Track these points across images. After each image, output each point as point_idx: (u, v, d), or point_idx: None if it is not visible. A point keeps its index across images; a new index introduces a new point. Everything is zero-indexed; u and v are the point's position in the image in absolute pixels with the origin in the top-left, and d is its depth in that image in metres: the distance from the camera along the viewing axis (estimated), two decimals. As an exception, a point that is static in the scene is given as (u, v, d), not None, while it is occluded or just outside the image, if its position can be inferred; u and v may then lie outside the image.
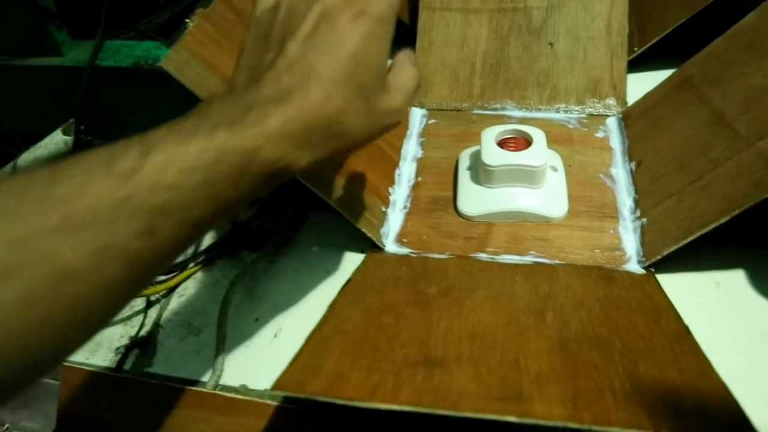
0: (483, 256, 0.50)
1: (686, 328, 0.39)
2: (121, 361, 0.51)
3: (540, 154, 0.52)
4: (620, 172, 0.56)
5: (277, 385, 0.32)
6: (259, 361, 0.48)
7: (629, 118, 0.61)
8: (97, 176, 0.25)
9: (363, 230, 0.50)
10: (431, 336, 0.37)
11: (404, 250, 0.52)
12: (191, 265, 0.55)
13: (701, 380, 0.33)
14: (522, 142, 0.54)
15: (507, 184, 0.53)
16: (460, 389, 0.31)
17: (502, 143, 0.54)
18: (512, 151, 0.52)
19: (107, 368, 0.50)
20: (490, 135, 0.54)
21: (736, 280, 0.49)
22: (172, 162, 0.27)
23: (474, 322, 0.39)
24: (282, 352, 0.48)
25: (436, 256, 0.50)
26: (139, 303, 0.55)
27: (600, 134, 0.61)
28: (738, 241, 0.51)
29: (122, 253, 0.25)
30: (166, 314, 0.53)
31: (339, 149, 0.33)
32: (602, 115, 0.63)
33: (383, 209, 0.54)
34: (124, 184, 0.25)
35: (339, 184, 0.50)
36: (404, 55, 0.38)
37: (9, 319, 0.23)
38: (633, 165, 0.56)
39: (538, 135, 0.53)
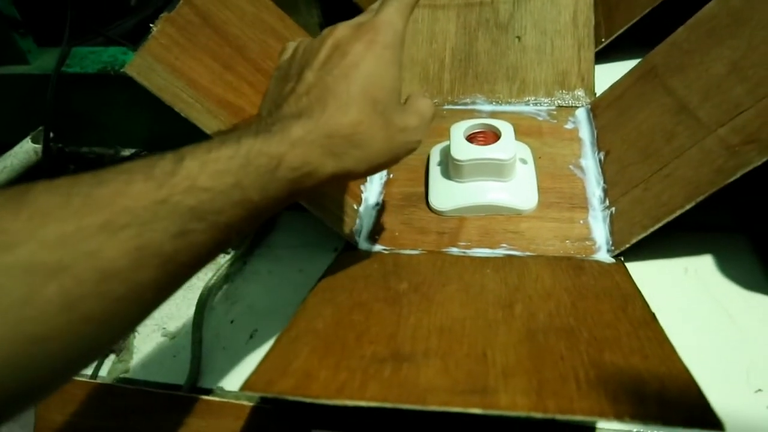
0: (455, 250, 0.51)
1: (652, 315, 0.39)
2: (97, 368, 0.51)
3: (508, 147, 0.52)
4: (589, 163, 0.57)
5: (246, 385, 0.32)
6: (235, 363, 0.48)
7: (597, 109, 0.62)
8: (137, 179, 0.26)
9: (335, 229, 0.50)
10: (400, 331, 0.37)
11: (377, 248, 0.52)
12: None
13: (664, 366, 0.33)
14: (491, 135, 0.54)
15: (477, 178, 0.53)
16: (426, 384, 0.31)
17: (471, 137, 0.54)
18: (481, 145, 0.53)
19: (84, 375, 0.50)
20: (459, 130, 0.54)
21: (703, 264, 0.49)
22: (205, 166, 0.28)
23: (443, 317, 0.39)
24: (257, 353, 0.48)
25: (408, 252, 0.51)
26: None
27: (569, 125, 0.61)
28: (704, 227, 0.52)
29: (158, 254, 0.26)
30: (141, 319, 0.53)
31: (362, 160, 0.35)
32: (571, 107, 0.64)
33: (355, 207, 0.54)
34: (161, 186, 0.26)
35: (309, 183, 0.50)
36: (418, 92, 0.41)
37: (54, 316, 0.23)
38: (602, 155, 0.56)
39: (506, 128, 0.54)
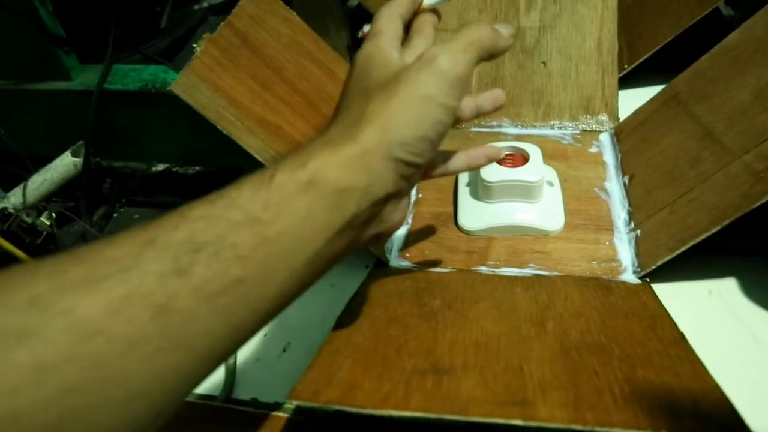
0: (484, 269, 0.52)
1: (681, 335, 0.40)
2: None
3: (536, 169, 0.54)
4: (614, 186, 0.58)
5: (293, 394, 0.33)
6: (269, 375, 0.50)
7: (621, 133, 0.63)
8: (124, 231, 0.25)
9: (368, 246, 0.52)
10: (437, 346, 0.38)
11: (408, 265, 0.53)
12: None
13: (696, 384, 0.34)
14: (519, 158, 0.56)
15: (505, 199, 0.54)
16: (467, 395, 0.33)
17: (499, 160, 0.56)
18: (510, 167, 0.54)
19: None
20: (488, 152, 0.56)
21: (727, 287, 0.51)
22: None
23: (478, 332, 0.40)
24: (291, 365, 0.50)
25: (438, 270, 0.52)
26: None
27: (593, 149, 0.63)
28: (729, 250, 0.53)
29: (146, 301, 0.22)
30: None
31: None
32: (595, 131, 0.65)
33: (386, 225, 0.56)
34: (146, 229, 0.25)
35: (343, 201, 0.52)
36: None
37: (26, 387, 0.19)
38: (626, 179, 0.58)
39: (534, 151, 0.55)
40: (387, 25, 0.36)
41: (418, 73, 0.32)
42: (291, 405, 0.47)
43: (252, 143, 0.48)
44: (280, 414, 0.46)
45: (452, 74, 0.33)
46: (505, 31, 0.37)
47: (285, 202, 0.28)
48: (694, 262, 0.51)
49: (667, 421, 0.30)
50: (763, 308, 0.49)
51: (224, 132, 0.47)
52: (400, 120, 0.31)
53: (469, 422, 0.31)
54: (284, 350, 0.51)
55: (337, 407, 0.32)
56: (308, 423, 0.46)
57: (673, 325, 0.42)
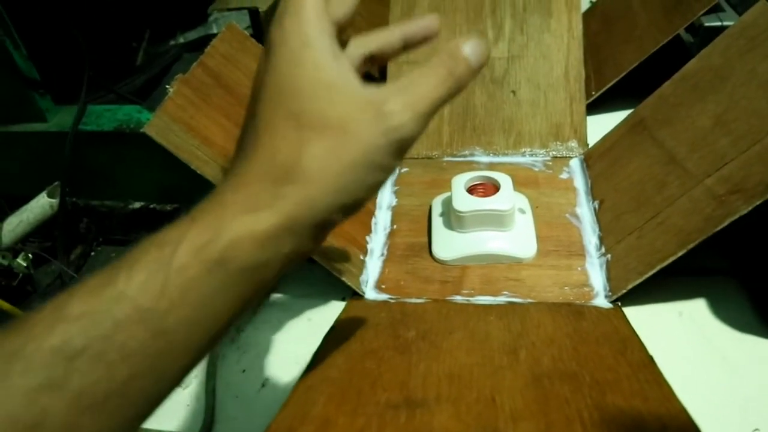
0: (459, 298, 0.53)
1: (650, 358, 0.41)
2: (111, 419, 0.52)
3: (507, 198, 0.55)
4: (584, 211, 0.60)
5: (268, 433, 0.34)
6: (248, 411, 0.50)
7: (590, 159, 0.65)
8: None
9: (343, 279, 0.52)
10: (411, 378, 0.39)
11: (383, 296, 0.54)
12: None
13: (664, 408, 0.35)
14: (490, 187, 0.57)
15: (478, 229, 0.55)
16: (440, 428, 0.33)
17: (471, 189, 0.57)
18: (481, 196, 0.55)
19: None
20: (460, 182, 0.57)
21: (697, 308, 0.52)
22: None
23: (451, 363, 0.41)
24: (270, 401, 0.50)
25: (413, 300, 0.53)
26: (127, 360, 0.56)
27: (564, 175, 0.64)
28: (698, 271, 0.54)
29: (14, 426, 0.20)
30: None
31: None
32: (566, 157, 0.67)
33: (361, 257, 0.56)
34: (19, 329, 0.23)
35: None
36: None
37: None
38: (596, 204, 0.59)
39: (504, 180, 0.56)
40: None
41: (374, 135, 0.26)
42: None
43: (207, 170, 0.49)
44: (259, 451, 0.46)
45: (414, 139, 0.28)
46: (474, 55, 0.29)
47: (188, 287, 0.24)
48: (664, 285, 0.52)
49: (635, 447, 0.31)
50: (732, 328, 0.50)
51: (198, 171, 0.48)
52: (339, 187, 0.26)
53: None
54: (263, 386, 0.51)
55: (311, 446, 0.32)
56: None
57: (643, 348, 0.43)
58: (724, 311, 0.51)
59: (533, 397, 0.36)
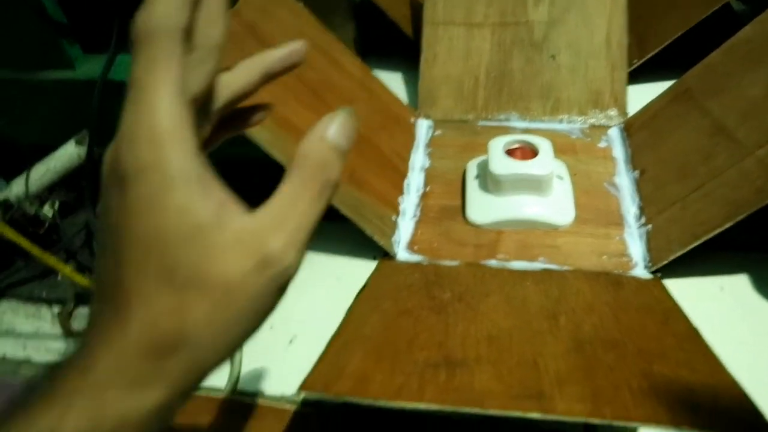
0: (493, 262, 0.51)
1: (695, 330, 0.40)
2: (136, 369, 0.51)
3: (546, 163, 0.53)
4: (624, 181, 0.58)
5: (304, 385, 0.33)
6: (275, 368, 0.49)
7: (631, 128, 0.63)
8: None
9: (374, 238, 0.51)
10: (449, 339, 0.38)
11: (415, 258, 0.53)
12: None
13: (713, 379, 0.34)
14: (528, 151, 0.55)
15: (515, 193, 0.54)
16: (482, 388, 0.32)
17: (509, 152, 0.55)
18: (519, 160, 0.54)
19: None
20: (498, 144, 0.55)
21: (739, 283, 0.50)
22: None
23: (489, 326, 0.40)
24: (297, 358, 0.49)
25: (447, 263, 0.52)
26: None
27: (602, 144, 0.62)
28: (741, 246, 0.52)
29: None
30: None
31: None
32: (604, 126, 0.65)
33: (393, 218, 0.55)
34: None
35: (350, 193, 0.51)
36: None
37: None
38: (636, 174, 0.57)
39: (544, 144, 0.55)
40: (174, 107, 0.22)
41: (260, 283, 0.23)
42: (297, 397, 0.46)
43: (259, 134, 0.48)
44: (287, 406, 0.46)
45: (294, 275, 0.24)
46: (344, 138, 0.25)
47: None
48: (706, 258, 0.50)
49: (687, 416, 0.30)
50: (775, 304, 0.48)
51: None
52: (228, 341, 0.23)
53: (484, 415, 0.30)
54: (290, 343, 0.51)
55: (349, 399, 0.31)
56: (315, 415, 0.45)
57: (687, 320, 0.41)
58: (766, 287, 0.49)
59: (576, 362, 0.35)
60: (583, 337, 0.38)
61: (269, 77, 0.30)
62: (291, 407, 0.46)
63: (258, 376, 0.48)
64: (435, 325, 0.40)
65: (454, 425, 0.44)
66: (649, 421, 0.29)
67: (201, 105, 0.27)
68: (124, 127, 0.22)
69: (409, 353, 0.36)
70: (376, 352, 0.36)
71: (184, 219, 0.22)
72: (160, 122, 0.21)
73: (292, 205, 0.23)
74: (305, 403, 0.46)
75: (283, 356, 0.50)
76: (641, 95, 0.65)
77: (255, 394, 0.47)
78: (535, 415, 0.30)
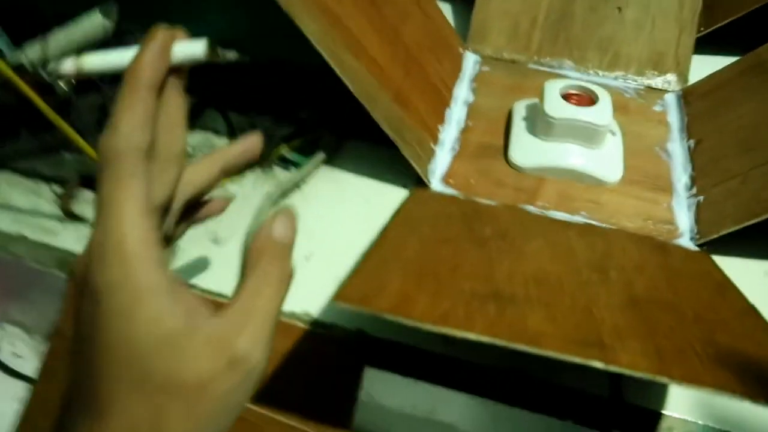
0: (532, 208, 0.48)
1: (753, 306, 0.37)
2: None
3: (605, 113, 0.49)
4: (677, 148, 0.54)
5: (340, 296, 0.29)
6: (288, 282, 0.46)
7: (690, 96, 0.59)
8: None
9: (412, 162, 0.48)
10: (495, 274, 0.35)
11: (450, 191, 0.49)
12: (222, 173, 0.52)
13: (781, 357, 0.31)
14: (586, 99, 0.52)
15: (565, 140, 0.50)
16: (536, 329, 0.29)
17: (565, 97, 0.51)
18: (576, 105, 0.50)
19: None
20: (554, 87, 0.51)
21: (786, 272, 0.47)
22: None
23: (536, 268, 0.37)
24: (313, 276, 0.46)
25: (485, 201, 0.48)
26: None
27: (658, 108, 0.59)
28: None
29: None
30: (191, 220, 0.50)
31: None
32: (661, 90, 0.61)
33: (432, 146, 0.51)
34: None
35: (394, 111, 0.47)
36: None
37: None
38: (692, 143, 0.54)
39: (603, 94, 0.51)
40: (137, 218, 0.24)
41: (231, 382, 0.23)
42: (307, 316, 0.43)
43: (311, 27, 0.43)
44: (297, 323, 0.43)
45: (264, 369, 0.25)
46: (288, 235, 0.29)
47: None
48: (753, 240, 0.48)
49: (761, 390, 0.27)
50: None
51: (283, 7, 0.42)
52: None
53: (540, 355, 0.27)
54: (306, 259, 0.47)
55: (391, 317, 0.28)
56: (325, 338, 0.42)
57: (742, 295, 0.39)
58: (812, 281, 0.47)
59: (634, 318, 0.32)
60: (637, 295, 0.35)
61: (228, 173, 0.33)
62: (302, 325, 0.43)
63: (269, 287, 0.45)
64: (478, 259, 0.37)
65: (470, 374, 0.41)
66: (723, 389, 0.26)
67: (165, 208, 0.29)
68: (93, 244, 0.23)
69: (453, 281, 0.33)
70: (417, 275, 0.33)
71: (154, 329, 0.23)
72: (127, 240, 0.23)
73: (254, 302, 0.25)
74: (316, 324, 0.43)
75: (298, 272, 0.46)
76: (701, 65, 0.61)
77: (264, 305, 0.44)
78: (597, 364, 0.27)
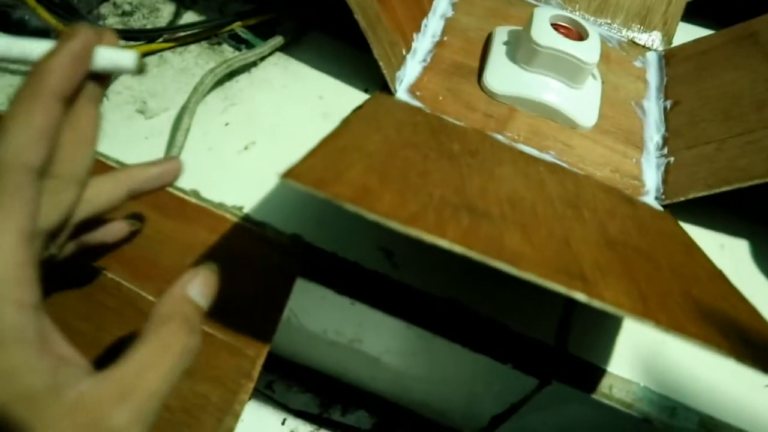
0: (500, 137, 0.44)
1: (720, 271, 0.35)
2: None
3: (594, 51, 0.46)
4: (652, 106, 0.52)
5: (290, 173, 0.24)
6: (221, 171, 0.40)
7: (672, 58, 0.56)
8: None
9: (380, 62, 0.42)
10: (466, 187, 0.31)
11: (416, 103, 0.44)
12: (162, 38, 0.45)
13: (755, 321, 0.29)
14: (574, 34, 0.48)
15: (546, 72, 0.46)
16: (514, 248, 0.25)
17: (553, 27, 0.47)
18: (565, 37, 0.46)
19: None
20: (544, 14, 0.47)
21: (740, 248, 0.46)
22: None
23: (509, 190, 0.33)
24: (251, 167, 0.41)
25: (452, 120, 0.44)
26: (83, 60, 0.44)
27: (638, 64, 0.56)
28: (745, 212, 0.48)
29: None
30: (115, 83, 0.43)
31: None
32: (643, 47, 0.58)
33: (403, 52, 0.46)
34: None
35: (372, 3, 0.42)
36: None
37: None
38: (668, 103, 0.51)
39: (593, 33, 0.47)
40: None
41: None
42: (238, 211, 0.38)
43: None
44: (227, 215, 0.37)
45: None
46: (206, 296, 0.25)
47: None
48: (711, 213, 0.46)
49: (743, 350, 0.24)
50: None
51: None
52: None
53: (520, 278, 0.23)
54: (245, 148, 0.42)
55: (351, 208, 0.23)
56: (257, 236, 0.37)
57: (709, 259, 0.36)
58: (763, 261, 0.46)
59: (613, 258, 0.29)
60: (612, 237, 0.32)
61: (135, 195, 0.29)
62: (231, 217, 0.37)
63: (197, 174, 0.39)
64: (448, 170, 0.32)
65: (411, 301, 0.37)
66: (708, 342, 0.23)
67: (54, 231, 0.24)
68: None
69: (421, 184, 0.28)
70: (380, 171, 0.28)
71: (11, 385, 0.19)
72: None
73: (145, 372, 0.21)
74: (248, 220, 0.38)
75: (234, 161, 0.41)
76: (682, 33, 0.59)
77: (188, 193, 0.38)
78: (580, 296, 0.23)
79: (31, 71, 0.22)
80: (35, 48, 0.24)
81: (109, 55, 0.25)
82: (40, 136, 0.21)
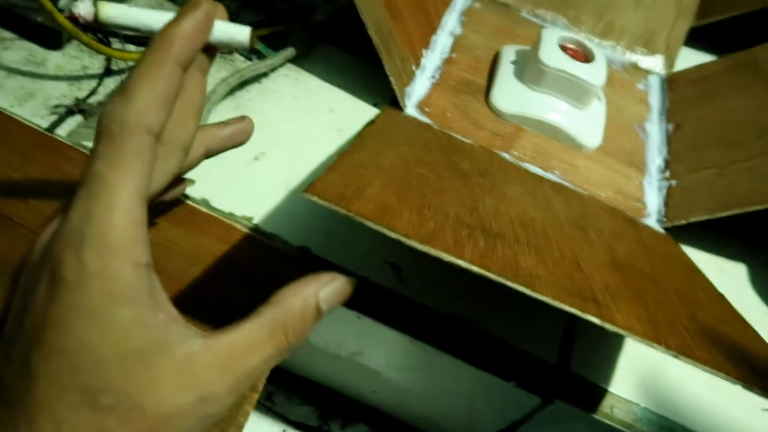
0: (506, 156, 0.45)
1: (722, 295, 0.35)
2: (55, 123, 0.41)
3: (600, 73, 0.46)
4: (654, 129, 0.52)
5: (312, 189, 0.25)
6: (231, 181, 0.40)
7: (675, 82, 0.57)
8: None
9: (391, 78, 0.43)
10: (479, 208, 0.31)
11: (424, 119, 0.45)
12: (174, 45, 0.45)
13: (758, 346, 0.29)
14: (581, 56, 0.48)
15: (552, 92, 0.47)
16: (528, 270, 0.26)
17: (561, 48, 0.48)
18: (572, 58, 0.47)
19: (37, 123, 0.40)
20: (552, 35, 0.48)
21: (739, 273, 0.47)
22: None
23: (519, 211, 0.33)
24: (260, 178, 0.41)
25: (460, 137, 0.44)
26: (96, 65, 0.45)
27: (641, 86, 0.57)
28: (742, 237, 0.49)
29: None
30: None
31: None
32: (645, 71, 0.59)
33: (413, 68, 0.47)
34: None
35: (385, 19, 0.42)
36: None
37: None
38: (671, 126, 0.52)
39: (600, 55, 0.48)
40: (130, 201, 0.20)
41: (189, 422, 0.21)
42: (248, 221, 0.38)
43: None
44: (237, 225, 0.38)
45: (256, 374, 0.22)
46: (330, 302, 0.24)
47: None
48: (713, 236, 0.47)
49: (751, 376, 0.25)
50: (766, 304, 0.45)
51: None
52: None
53: (533, 298, 0.24)
54: (255, 159, 0.42)
55: (371, 225, 0.24)
56: (266, 247, 0.37)
57: (711, 282, 0.37)
58: (761, 287, 0.46)
59: (621, 281, 0.29)
60: (619, 259, 0.33)
61: (210, 155, 0.30)
62: (242, 228, 0.38)
63: (206, 183, 0.39)
64: (461, 189, 0.33)
65: (417, 317, 0.38)
66: (717, 368, 0.24)
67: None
68: (73, 222, 0.19)
69: (438, 203, 0.29)
70: (398, 188, 0.29)
71: (124, 340, 0.19)
72: (116, 228, 0.19)
73: (249, 351, 0.22)
74: (257, 231, 0.38)
75: (245, 171, 0.41)
76: (684, 58, 0.60)
77: (198, 202, 0.38)
78: (593, 319, 0.24)
79: (157, 36, 0.22)
80: (158, 17, 0.25)
81: (226, 29, 0.25)
82: (162, 101, 0.22)
